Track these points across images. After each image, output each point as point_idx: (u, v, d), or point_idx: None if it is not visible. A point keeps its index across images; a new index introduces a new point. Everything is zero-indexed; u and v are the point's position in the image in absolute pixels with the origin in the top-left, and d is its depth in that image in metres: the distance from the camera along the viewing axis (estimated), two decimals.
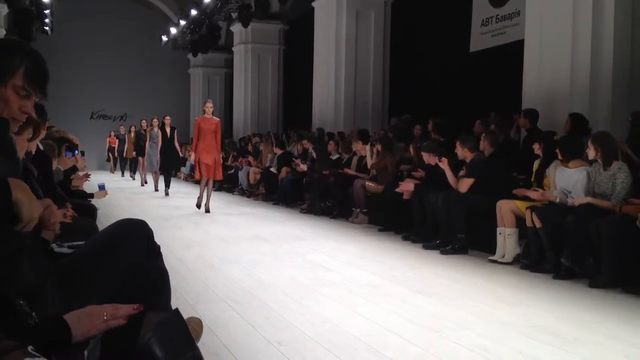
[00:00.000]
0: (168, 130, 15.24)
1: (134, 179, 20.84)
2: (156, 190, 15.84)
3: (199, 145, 10.91)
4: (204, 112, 11.07)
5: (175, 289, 3.41)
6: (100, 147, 24.90)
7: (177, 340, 1.77)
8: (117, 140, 23.33)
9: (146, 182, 17.99)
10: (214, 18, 20.58)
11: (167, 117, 15.51)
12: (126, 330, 1.76)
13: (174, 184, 16.74)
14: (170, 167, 15.68)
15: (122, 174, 22.88)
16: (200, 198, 11.21)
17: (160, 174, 15.84)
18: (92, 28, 26.10)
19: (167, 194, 14.68)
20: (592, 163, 6.14)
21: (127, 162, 22.17)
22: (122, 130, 22.99)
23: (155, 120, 16.06)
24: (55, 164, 5.83)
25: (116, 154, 23.63)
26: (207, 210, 11.01)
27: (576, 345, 3.81)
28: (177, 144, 15.59)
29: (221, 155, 11.80)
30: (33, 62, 2.00)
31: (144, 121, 18.03)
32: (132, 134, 20.74)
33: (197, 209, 11.16)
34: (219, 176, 11.45)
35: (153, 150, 15.65)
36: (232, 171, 16.48)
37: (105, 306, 1.80)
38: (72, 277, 2.22)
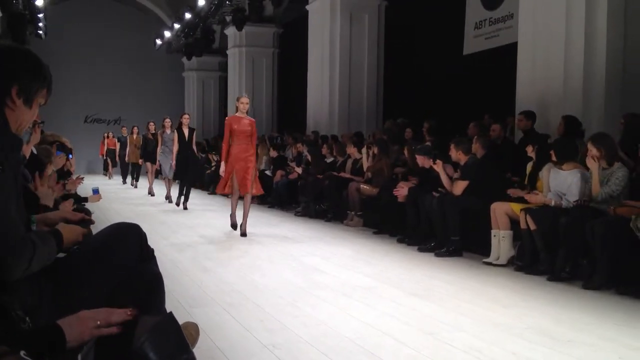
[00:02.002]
0: (186, 131, 12.68)
1: (136, 187, 18.72)
2: (168, 200, 13.67)
3: (231, 151, 8.71)
4: (237, 109, 8.78)
5: (169, 292, 3.40)
6: (95, 151, 24.79)
7: (171, 343, 1.77)
8: (118, 143, 21.29)
9: (153, 195, 15.57)
10: (208, 21, 20.58)
11: (186, 116, 12.96)
12: (120, 334, 1.76)
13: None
14: (191, 177, 13.17)
15: (124, 180, 20.67)
16: (233, 216, 8.89)
17: (174, 181, 13.79)
18: (86, 32, 26.05)
19: (185, 207, 12.33)
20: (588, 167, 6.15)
21: (129, 168, 20.04)
22: (125, 131, 20.68)
23: (167, 120, 13.79)
24: (50, 169, 5.82)
25: (117, 158, 21.40)
26: (244, 234, 8.63)
27: (570, 347, 3.82)
28: (194, 148, 13.22)
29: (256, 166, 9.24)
30: (50, 74, 2.20)
31: (151, 124, 15.84)
32: (135, 136, 18.95)
33: (233, 229, 8.89)
34: (258, 189, 9.00)
35: (167, 157, 13.45)
36: None
37: (98, 311, 1.80)
38: (66, 281, 2.22)
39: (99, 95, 26.73)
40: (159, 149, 14.04)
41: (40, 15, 20.74)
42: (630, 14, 7.79)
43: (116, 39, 26.54)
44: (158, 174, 16.29)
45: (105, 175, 24.19)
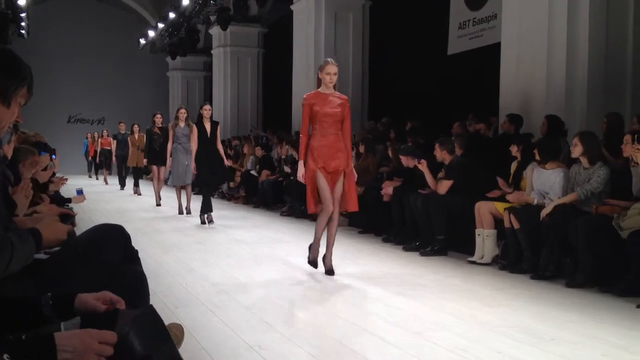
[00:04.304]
0: (208, 126, 10.05)
1: (139, 194, 15.99)
2: (184, 212, 11.24)
3: (312, 143, 5.96)
4: (318, 83, 6.10)
5: (154, 293, 3.39)
6: (79, 152, 24.56)
7: (153, 333, 1.76)
8: (113, 142, 18.30)
9: (159, 204, 12.85)
10: (193, 21, 20.50)
11: (207, 107, 10.26)
12: (103, 324, 1.72)
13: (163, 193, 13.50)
14: (217, 181, 11.02)
15: (123, 185, 17.99)
16: (316, 248, 6.08)
17: (197, 191, 11.38)
18: (69, 31, 25.90)
19: (211, 220, 9.79)
20: (572, 165, 6.20)
21: (128, 171, 17.39)
22: (123, 128, 17.68)
23: (182, 111, 11.22)
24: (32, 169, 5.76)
25: (113, 159, 18.45)
26: (330, 271, 5.90)
27: (554, 345, 3.85)
28: (220, 146, 10.30)
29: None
30: (31, 74, 2.14)
31: (158, 116, 13.15)
32: (137, 136, 16.21)
33: (312, 267, 6.11)
34: (354, 205, 6.16)
35: (181, 156, 11.05)
36: None
37: (104, 335, 1.66)
38: (49, 282, 2.21)
39: (83, 95, 26.60)
40: (169, 146, 11.23)
41: (23, 15, 20.61)
42: (611, 15, 7.86)
43: (100, 39, 26.41)
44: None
45: (91, 177, 23.47)
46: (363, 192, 9.20)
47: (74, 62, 26.19)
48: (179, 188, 11.47)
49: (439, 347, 3.75)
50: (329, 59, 6.20)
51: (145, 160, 13.86)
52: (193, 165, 10.17)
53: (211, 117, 10.28)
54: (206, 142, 9.98)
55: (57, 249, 2.34)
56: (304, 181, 6.01)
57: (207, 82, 25.44)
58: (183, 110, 11.24)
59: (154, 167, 13.13)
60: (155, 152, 12.79)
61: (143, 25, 25.13)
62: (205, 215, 9.81)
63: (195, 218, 10.44)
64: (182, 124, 11.12)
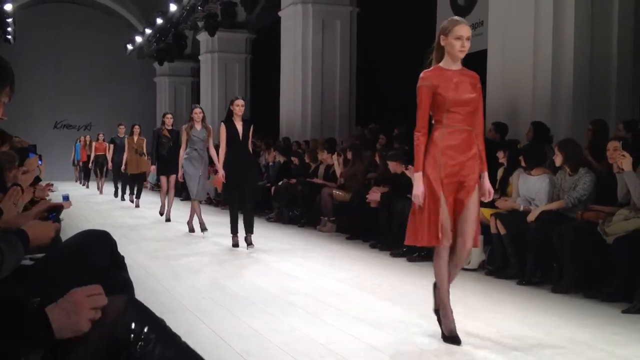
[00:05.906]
0: (240, 126, 8.05)
1: (138, 205, 14.04)
2: (194, 230, 9.62)
3: (435, 144, 4.07)
4: (441, 53, 4.16)
5: (140, 299, 3.37)
6: (65, 157, 24.37)
7: (144, 315, 1.89)
8: (110, 147, 16.55)
9: (169, 219, 11.11)
10: (180, 27, 20.48)
11: (239, 102, 8.16)
12: None
13: (152, 199, 13.73)
14: (254, 195, 8.45)
15: (119, 194, 16.20)
16: (446, 313, 4.08)
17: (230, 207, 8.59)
18: (55, 36, 25.78)
19: (249, 242, 7.89)
20: (557, 171, 6.25)
21: (126, 179, 15.49)
22: (122, 131, 15.74)
23: (197, 110, 9.47)
24: (15, 175, 5.71)
25: (109, 165, 16.61)
26: (457, 339, 3.96)
27: (540, 350, 3.88)
28: (249, 149, 8.40)
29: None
30: (12, 70, 2.15)
31: (168, 116, 11.15)
32: (136, 138, 14.32)
33: (453, 343, 3.96)
34: (476, 239, 4.19)
35: (196, 165, 9.40)
36: None
37: (90, 289, 1.76)
38: (36, 287, 2.20)
39: (69, 100, 26.43)
40: (182, 153, 9.52)
41: (9, 20, 20.54)
42: (596, 22, 7.93)
43: (87, 44, 26.28)
44: (182, 191, 12.28)
45: (83, 184, 22.34)
46: (350, 198, 9.24)
47: (61, 68, 26.03)
48: (195, 203, 9.54)
49: (426, 352, 3.77)
50: (456, 17, 4.15)
51: (153, 167, 11.66)
52: (221, 173, 8.07)
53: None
54: (237, 145, 7.99)
55: (42, 255, 2.33)
56: (422, 202, 4.06)
57: (194, 88, 25.38)
58: (199, 110, 9.49)
59: (162, 177, 11.22)
60: (163, 159, 10.87)
61: (130, 31, 25.07)
62: (244, 237, 7.93)
63: (183, 225, 10.14)
64: (198, 126, 9.41)
